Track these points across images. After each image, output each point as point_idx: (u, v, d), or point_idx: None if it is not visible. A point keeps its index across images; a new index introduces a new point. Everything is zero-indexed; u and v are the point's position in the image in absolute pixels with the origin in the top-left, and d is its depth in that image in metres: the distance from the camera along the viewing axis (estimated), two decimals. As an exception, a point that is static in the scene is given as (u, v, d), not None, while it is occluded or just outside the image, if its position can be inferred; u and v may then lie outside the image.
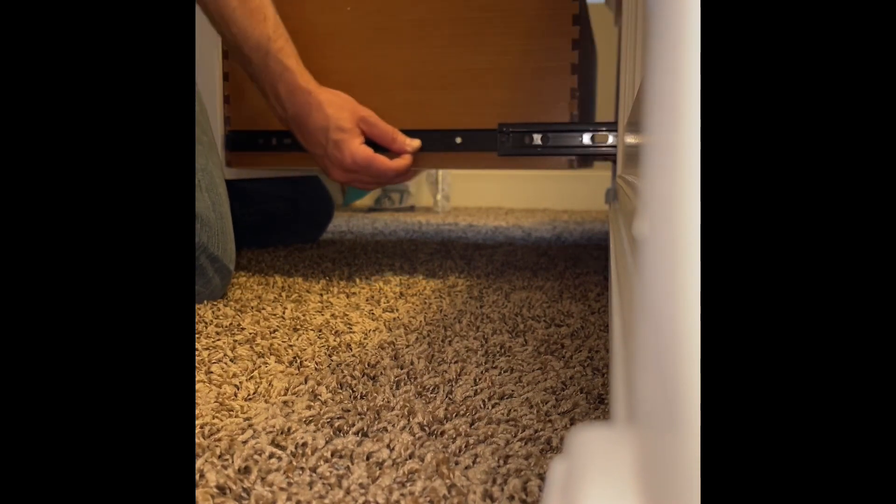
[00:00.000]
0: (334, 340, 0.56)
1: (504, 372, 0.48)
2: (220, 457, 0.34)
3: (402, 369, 0.48)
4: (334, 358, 0.51)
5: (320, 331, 0.59)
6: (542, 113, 0.79)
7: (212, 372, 0.48)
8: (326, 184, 1.30)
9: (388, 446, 0.35)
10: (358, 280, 0.84)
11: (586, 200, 2.28)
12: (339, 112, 0.75)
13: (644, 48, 0.36)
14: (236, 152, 0.89)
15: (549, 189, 2.34)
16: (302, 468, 0.33)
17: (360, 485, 0.31)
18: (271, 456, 0.34)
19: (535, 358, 0.51)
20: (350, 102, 0.77)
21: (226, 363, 0.50)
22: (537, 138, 0.78)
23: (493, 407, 0.41)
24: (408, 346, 0.54)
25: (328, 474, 0.32)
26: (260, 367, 0.49)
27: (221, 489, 0.31)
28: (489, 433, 0.37)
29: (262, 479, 0.32)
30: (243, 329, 0.60)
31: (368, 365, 0.49)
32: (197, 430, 0.37)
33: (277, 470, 0.33)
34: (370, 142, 0.78)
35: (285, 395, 0.43)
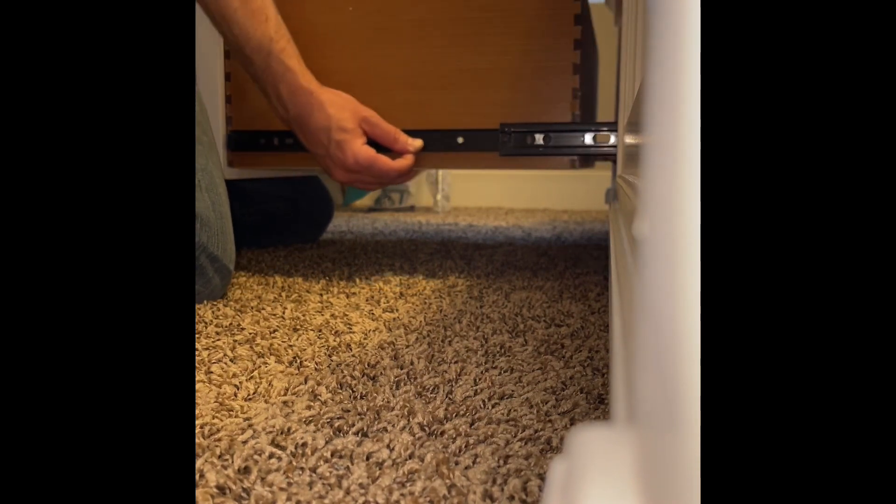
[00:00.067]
0: (334, 340, 0.56)
1: (504, 372, 0.48)
2: (220, 457, 0.34)
3: (402, 369, 0.48)
4: (334, 358, 0.51)
5: (320, 331, 0.59)
6: (544, 113, 0.79)
7: (212, 372, 0.48)
8: (326, 184, 1.30)
9: (388, 446, 0.35)
10: (358, 280, 0.84)
11: (586, 200, 2.28)
12: (341, 112, 0.75)
13: (644, 48, 0.36)
14: (238, 152, 0.89)
15: (549, 189, 2.34)
16: (302, 468, 0.33)
17: (360, 485, 0.31)
18: (271, 456, 0.34)
19: (535, 358, 0.51)
20: (352, 102, 0.77)
21: (226, 363, 0.50)
22: (539, 138, 0.78)
23: (493, 407, 0.41)
24: (408, 346, 0.54)
25: (328, 474, 0.32)
26: (260, 367, 0.49)
27: (221, 489, 0.31)
28: (489, 433, 0.37)
29: (262, 479, 0.32)
30: (243, 329, 0.60)
31: (368, 365, 0.49)
32: (197, 430, 0.37)
33: (277, 470, 0.33)
34: (372, 142, 0.78)
35: (285, 395, 0.43)
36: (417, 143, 0.79)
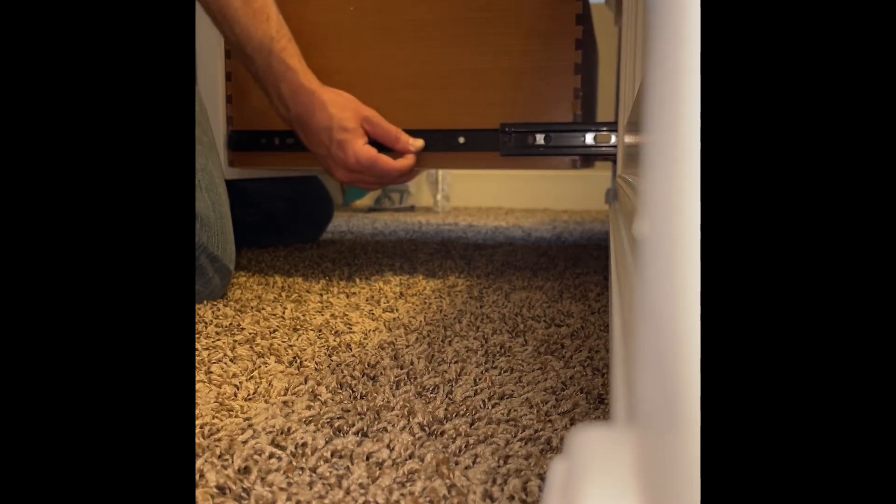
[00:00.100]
0: (334, 340, 0.56)
1: (504, 372, 0.48)
2: (220, 457, 0.34)
3: (402, 369, 0.48)
4: (334, 358, 0.51)
5: (320, 331, 0.59)
6: (546, 113, 0.79)
7: (212, 372, 0.48)
8: (326, 184, 1.30)
9: (388, 446, 0.35)
10: (358, 280, 0.84)
11: (586, 200, 2.28)
12: (342, 112, 0.75)
13: (644, 48, 0.36)
14: (239, 152, 0.89)
15: (549, 189, 2.34)
16: (302, 468, 0.33)
17: (360, 485, 0.31)
18: (271, 456, 0.34)
19: (535, 358, 0.51)
20: (353, 102, 0.77)
21: (226, 363, 0.50)
22: (540, 138, 0.78)
23: (493, 407, 0.41)
24: (408, 346, 0.54)
25: (328, 474, 0.32)
26: (260, 367, 0.49)
27: (221, 489, 0.31)
28: (489, 433, 0.37)
29: (262, 479, 0.32)
30: (243, 329, 0.60)
31: (368, 365, 0.49)
32: (197, 430, 0.37)
33: (277, 470, 0.33)
34: (373, 142, 0.78)
35: (285, 395, 0.43)
36: (419, 143, 0.79)
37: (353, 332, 0.59)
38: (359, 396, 0.43)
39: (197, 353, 0.52)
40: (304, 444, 0.35)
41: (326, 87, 0.76)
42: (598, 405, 0.41)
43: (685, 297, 0.11)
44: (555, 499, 0.16)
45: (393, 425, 0.38)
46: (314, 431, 0.37)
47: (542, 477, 0.32)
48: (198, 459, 0.34)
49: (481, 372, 0.47)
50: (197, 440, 0.36)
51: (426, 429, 0.38)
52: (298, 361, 0.51)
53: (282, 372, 0.48)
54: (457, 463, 0.34)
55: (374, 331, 0.59)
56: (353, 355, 0.52)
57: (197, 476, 0.32)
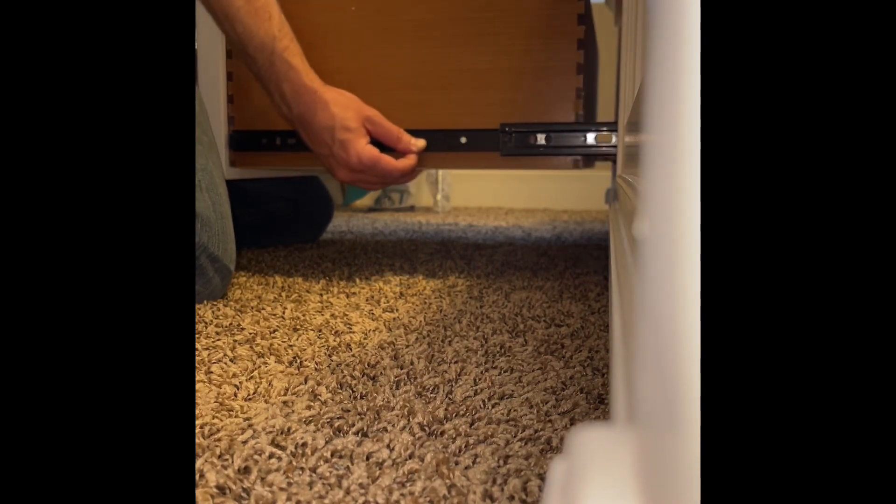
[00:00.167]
0: (334, 340, 0.56)
1: (504, 372, 0.48)
2: (220, 457, 0.34)
3: (402, 369, 0.48)
4: (334, 358, 0.51)
5: (320, 331, 0.59)
6: (548, 113, 0.79)
7: (212, 372, 0.48)
8: (326, 184, 1.30)
9: (388, 446, 0.35)
10: (358, 280, 0.84)
11: (586, 200, 2.28)
12: (344, 111, 0.75)
13: (644, 48, 0.36)
14: (240, 152, 0.89)
15: (549, 189, 2.34)
16: (302, 468, 0.33)
17: (360, 485, 0.31)
18: (271, 456, 0.34)
19: (535, 358, 0.51)
20: (355, 102, 0.77)
21: (226, 363, 0.50)
22: (540, 138, 0.78)
23: (493, 407, 0.41)
24: (408, 346, 0.54)
25: (328, 474, 0.32)
26: (260, 367, 0.49)
27: (221, 489, 0.31)
28: (489, 433, 0.37)
29: (262, 479, 0.32)
30: (243, 329, 0.60)
31: (368, 365, 0.49)
32: (197, 430, 0.37)
33: (277, 470, 0.33)
34: (375, 142, 0.78)
35: (285, 395, 0.43)
36: (421, 142, 0.79)
37: (353, 332, 0.59)
38: (359, 396, 0.43)
39: (197, 353, 0.52)
40: (304, 444, 0.35)
41: (329, 87, 0.76)
42: (598, 405, 0.41)
43: (685, 297, 0.11)
44: (555, 499, 0.16)
45: (393, 425, 0.38)
46: (314, 431, 0.37)
47: (542, 477, 0.32)
48: (198, 459, 0.34)
49: (481, 372, 0.47)
50: (197, 440, 0.36)
51: (426, 429, 0.38)
52: (298, 361, 0.51)
53: (282, 372, 0.48)
54: (457, 463, 0.34)
55: (374, 331, 0.59)
56: (353, 355, 0.52)
57: (197, 476, 0.32)
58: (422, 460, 0.34)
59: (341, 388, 0.44)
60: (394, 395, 0.43)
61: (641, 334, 0.15)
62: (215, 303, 0.71)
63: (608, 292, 0.67)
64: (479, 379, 0.46)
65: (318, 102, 0.74)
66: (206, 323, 0.62)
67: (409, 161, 0.78)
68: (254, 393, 0.44)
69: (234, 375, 0.47)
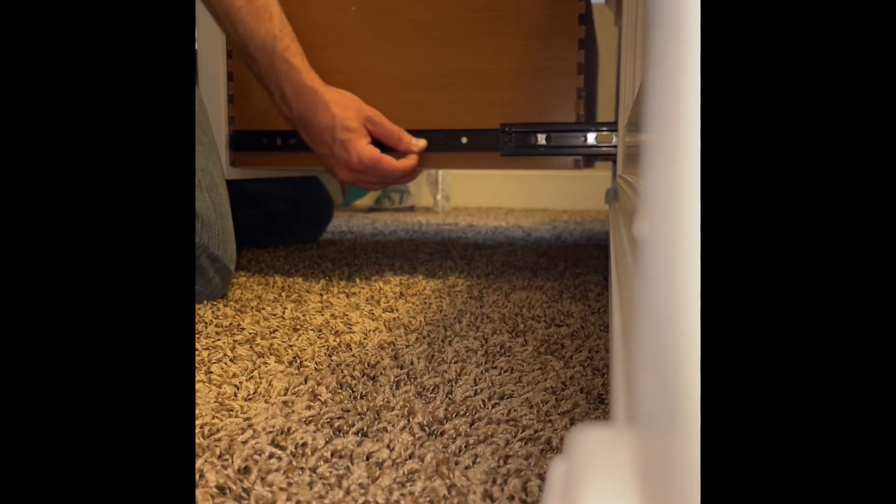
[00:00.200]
0: (334, 340, 0.56)
1: (504, 372, 0.48)
2: (220, 457, 0.34)
3: (402, 369, 0.48)
4: (334, 358, 0.51)
5: (320, 331, 0.59)
6: (548, 113, 0.79)
7: (212, 372, 0.48)
8: (326, 183, 1.30)
9: (388, 446, 0.35)
10: (358, 280, 0.84)
11: (586, 200, 2.28)
12: (345, 112, 0.75)
13: (644, 48, 0.36)
14: (240, 152, 0.89)
15: (549, 189, 2.34)
16: (302, 468, 0.33)
17: (360, 485, 0.31)
18: (271, 456, 0.34)
19: (535, 358, 0.51)
20: (356, 102, 0.77)
21: (226, 363, 0.50)
22: (540, 138, 0.78)
23: (493, 407, 0.41)
24: (408, 346, 0.54)
25: (328, 474, 0.32)
26: (260, 367, 0.49)
27: (221, 489, 0.31)
28: (489, 433, 0.37)
29: (262, 479, 0.32)
30: (243, 329, 0.60)
31: (368, 365, 0.49)
32: (197, 430, 0.37)
33: (277, 470, 0.33)
34: (376, 142, 0.78)
35: (285, 395, 0.43)
36: (421, 143, 0.79)
37: (353, 332, 0.59)
38: (359, 396, 0.43)
39: (197, 353, 0.52)
40: (304, 444, 0.35)
41: (329, 87, 0.76)
42: (598, 405, 0.41)
43: (685, 297, 0.11)
44: (555, 499, 0.16)
45: (393, 425, 0.38)
46: (314, 431, 0.37)
47: (542, 477, 0.32)
48: (198, 459, 0.34)
49: (481, 372, 0.47)
50: (197, 440, 0.36)
51: (426, 429, 0.38)
52: (298, 361, 0.51)
53: (282, 372, 0.48)
54: (457, 463, 0.34)
55: (374, 331, 0.59)
56: (353, 355, 0.52)
57: (197, 476, 0.32)
58: (422, 460, 0.34)
59: (341, 388, 0.44)
60: (394, 395, 0.43)
61: (641, 334, 0.15)
62: (215, 303, 0.71)
63: (608, 292, 0.67)
64: (479, 379, 0.46)
65: (318, 102, 0.74)
66: (206, 323, 0.62)
67: (409, 161, 0.78)
68: (254, 393, 0.44)
69: (234, 375, 0.47)
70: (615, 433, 0.16)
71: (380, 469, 0.33)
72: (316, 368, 0.49)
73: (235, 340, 0.56)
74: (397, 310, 0.67)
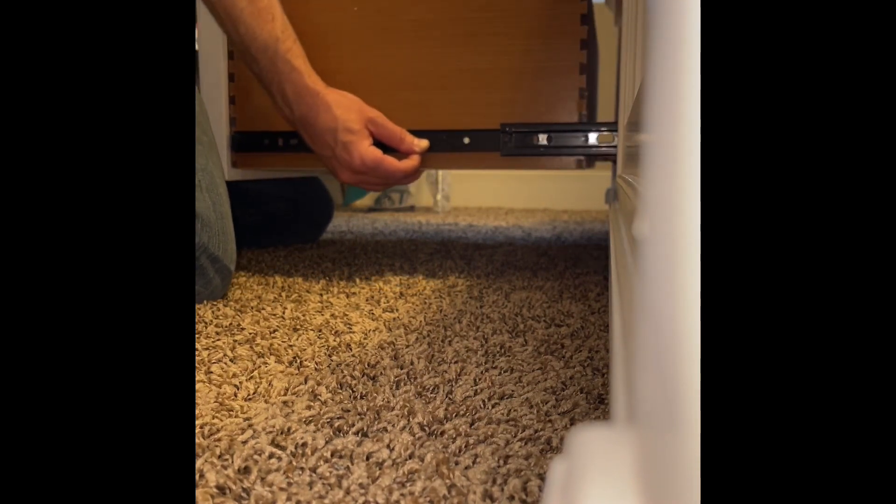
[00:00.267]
0: (334, 340, 0.56)
1: (504, 372, 0.48)
2: (220, 457, 0.34)
3: (402, 369, 0.48)
4: (334, 358, 0.51)
5: (320, 331, 0.59)
6: (551, 113, 0.79)
7: (212, 372, 0.48)
8: (326, 184, 1.30)
9: (388, 446, 0.35)
10: (358, 280, 0.84)
11: (586, 200, 2.28)
12: (347, 113, 0.75)
13: (644, 48, 0.36)
14: (242, 153, 0.89)
15: (549, 189, 2.34)
16: (302, 468, 0.33)
17: (360, 485, 0.31)
18: (271, 456, 0.34)
19: (535, 358, 0.51)
20: (358, 103, 0.77)
21: (226, 363, 0.50)
22: (542, 138, 0.78)
23: (493, 407, 0.41)
24: (408, 346, 0.54)
25: (328, 474, 0.32)
26: (260, 367, 0.49)
27: (221, 489, 0.31)
28: (489, 433, 0.37)
29: (262, 479, 0.32)
30: (243, 329, 0.60)
31: (368, 365, 0.49)
32: (197, 430, 0.37)
33: (277, 470, 0.33)
34: (378, 143, 0.78)
35: (285, 395, 0.43)
36: (423, 143, 0.79)
37: (353, 332, 0.59)
38: (359, 396, 0.43)
39: (197, 353, 0.52)
40: (304, 444, 0.35)
41: (331, 88, 0.76)
42: (598, 405, 0.41)
43: (685, 297, 0.11)
44: (555, 499, 0.16)
45: (393, 425, 0.38)
46: (314, 431, 0.37)
47: (542, 477, 0.32)
48: (198, 459, 0.34)
49: (481, 372, 0.47)
50: (197, 440, 0.36)
51: (426, 429, 0.38)
52: (298, 361, 0.51)
53: (282, 372, 0.48)
54: (457, 463, 0.34)
55: (374, 331, 0.59)
56: (353, 355, 0.52)
57: (197, 476, 0.32)
58: (422, 460, 0.34)
59: (341, 388, 0.44)
60: (394, 395, 0.43)
61: (641, 334, 0.15)
62: (215, 303, 0.71)
63: (608, 292, 0.67)
64: (479, 379, 0.46)
65: (320, 104, 0.74)
66: (206, 323, 0.62)
67: (411, 162, 0.78)
68: (254, 393, 0.44)
69: (234, 375, 0.47)
70: (615, 433, 0.16)
71: (380, 469, 0.33)
72: (316, 368, 0.49)
73: (235, 340, 0.56)
74: (397, 310, 0.67)
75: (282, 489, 0.31)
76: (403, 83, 0.82)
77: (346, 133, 0.74)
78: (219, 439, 0.36)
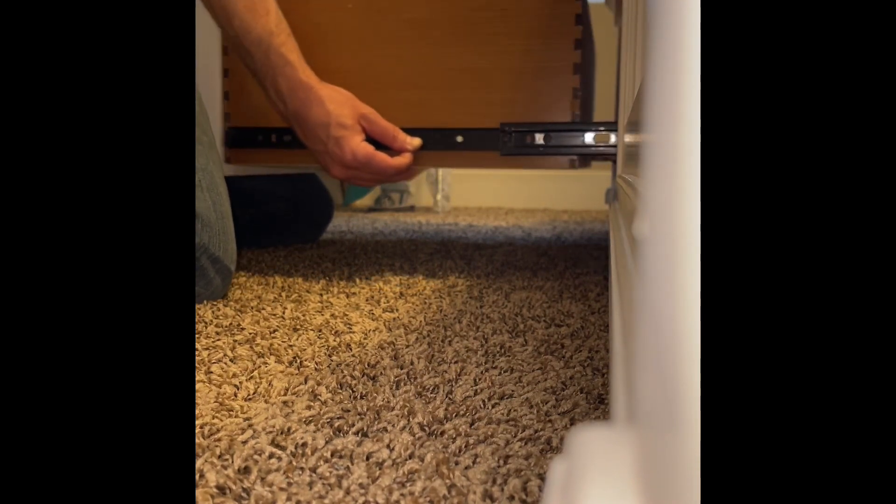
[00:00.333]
0: (334, 340, 0.56)
1: (504, 372, 0.48)
2: (220, 457, 0.34)
3: (402, 369, 0.48)
4: (334, 358, 0.51)
5: (320, 331, 0.59)
6: (544, 113, 0.79)
7: (212, 372, 0.48)
8: (326, 183, 1.30)
9: (388, 446, 0.35)
10: (358, 280, 0.84)
11: (586, 200, 2.28)
12: (340, 108, 0.75)
13: (644, 48, 0.36)
14: (236, 149, 0.89)
15: (549, 189, 2.34)
16: (302, 468, 0.33)
17: (360, 485, 0.31)
18: (271, 456, 0.34)
19: (535, 358, 0.51)
20: (351, 99, 0.77)
21: (226, 363, 0.50)
22: (539, 138, 0.78)
23: (493, 407, 0.41)
24: (408, 346, 0.54)
25: (328, 474, 0.32)
26: (260, 367, 0.49)
27: (221, 489, 0.31)
28: (489, 433, 0.37)
29: (262, 479, 0.32)
30: (243, 329, 0.60)
31: (368, 365, 0.49)
32: (197, 430, 0.37)
33: (277, 470, 0.33)
34: (371, 139, 0.78)
35: (285, 395, 0.43)
36: (416, 141, 0.79)
37: (353, 332, 0.59)
38: (359, 396, 0.43)
39: (197, 353, 0.52)
40: (304, 444, 0.35)
41: (324, 84, 0.76)
42: (598, 405, 0.41)
43: (685, 297, 0.11)
44: (555, 499, 0.16)
45: (393, 425, 0.38)
46: (314, 431, 0.37)
47: (542, 477, 0.32)
48: (198, 459, 0.34)
49: (481, 372, 0.47)
50: (197, 440, 0.36)
51: (426, 429, 0.38)
52: (298, 361, 0.51)
53: (282, 372, 0.48)
54: (457, 463, 0.34)
55: (374, 331, 0.59)
56: (353, 355, 0.52)
57: (197, 476, 0.32)
58: (422, 460, 0.34)
59: (341, 388, 0.44)
60: (394, 395, 0.43)
61: (641, 334, 0.15)
62: (215, 303, 0.71)
63: (608, 292, 0.67)
64: (479, 379, 0.46)
65: (313, 99, 0.74)
66: (206, 323, 0.62)
67: (403, 159, 0.78)
68: (254, 393, 0.44)
69: (234, 375, 0.47)
70: (615, 433, 0.16)
71: (380, 469, 0.33)
72: (316, 368, 0.49)
73: (235, 340, 0.56)
74: (397, 310, 0.67)
75: (282, 489, 0.31)
76: (402, 82, 0.82)
77: (339, 128, 0.75)
78: (219, 439, 0.36)
